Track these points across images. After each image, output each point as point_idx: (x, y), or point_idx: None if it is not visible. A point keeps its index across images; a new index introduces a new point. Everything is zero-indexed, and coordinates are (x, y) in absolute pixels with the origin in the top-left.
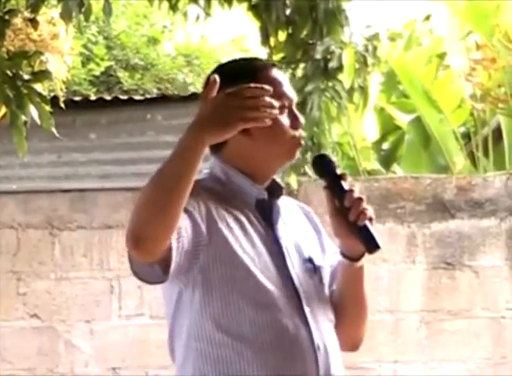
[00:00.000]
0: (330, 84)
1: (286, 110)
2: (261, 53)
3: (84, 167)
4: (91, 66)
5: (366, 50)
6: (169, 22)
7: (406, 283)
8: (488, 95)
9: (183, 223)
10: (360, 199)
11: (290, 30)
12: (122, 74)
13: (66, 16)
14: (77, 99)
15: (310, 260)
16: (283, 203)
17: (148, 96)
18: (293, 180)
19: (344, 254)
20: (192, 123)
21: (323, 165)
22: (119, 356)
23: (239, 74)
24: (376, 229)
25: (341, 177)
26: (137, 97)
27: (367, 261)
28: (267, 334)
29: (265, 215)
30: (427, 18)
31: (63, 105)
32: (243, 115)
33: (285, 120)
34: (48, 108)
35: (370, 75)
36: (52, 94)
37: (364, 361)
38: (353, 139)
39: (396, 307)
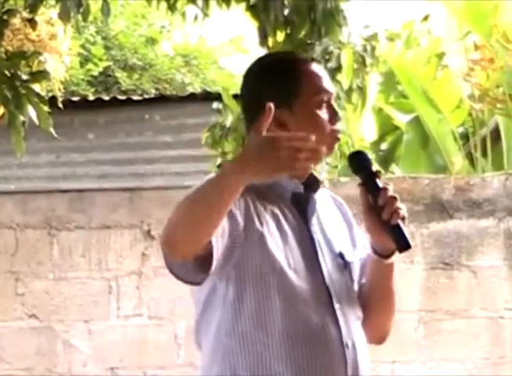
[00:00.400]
0: None
1: (324, 105)
2: (260, 54)
3: (82, 167)
4: (90, 66)
5: (365, 50)
6: (167, 22)
7: (404, 283)
8: (486, 96)
9: (223, 221)
10: (394, 198)
11: (288, 31)
12: (120, 74)
13: (64, 16)
14: (75, 99)
15: (341, 255)
16: (319, 196)
17: (146, 96)
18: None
19: (374, 250)
20: (238, 160)
21: (359, 162)
22: (117, 356)
23: (280, 70)
24: None
25: (376, 174)
26: (135, 97)
27: None
28: (297, 331)
29: (301, 209)
30: (426, 18)
31: (61, 105)
32: (291, 166)
33: (323, 114)
34: (46, 108)
35: (369, 75)
36: (50, 94)
37: None
38: (351, 139)
39: None
